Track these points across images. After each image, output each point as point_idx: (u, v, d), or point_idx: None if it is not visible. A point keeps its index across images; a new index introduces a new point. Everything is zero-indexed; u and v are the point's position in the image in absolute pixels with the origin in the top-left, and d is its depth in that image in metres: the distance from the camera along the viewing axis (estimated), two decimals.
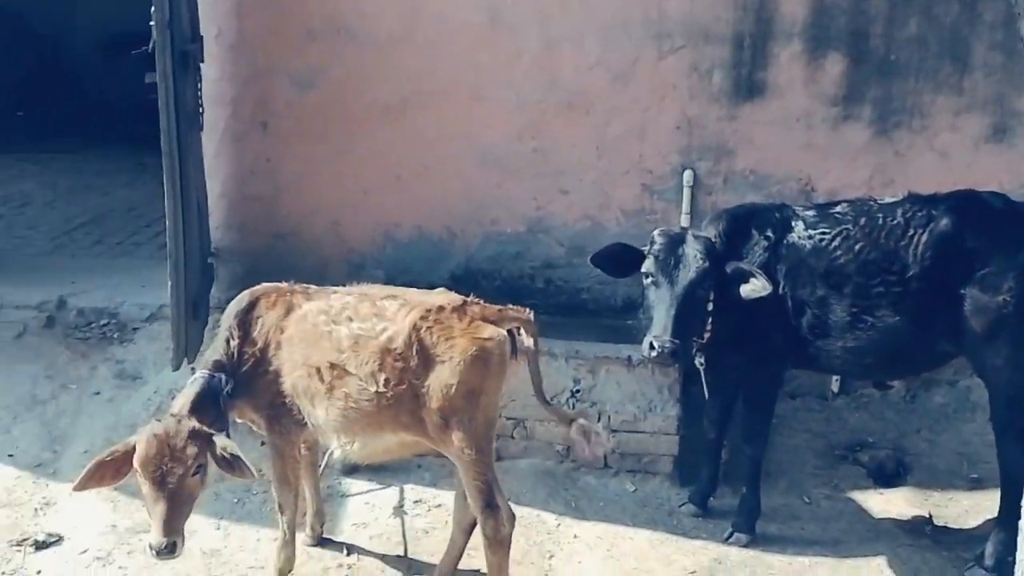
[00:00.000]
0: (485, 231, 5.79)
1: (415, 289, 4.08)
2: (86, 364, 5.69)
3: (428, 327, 3.74)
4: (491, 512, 3.79)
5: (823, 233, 4.32)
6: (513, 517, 3.85)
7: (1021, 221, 4.15)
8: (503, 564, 3.89)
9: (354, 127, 5.63)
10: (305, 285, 4.15)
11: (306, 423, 3.98)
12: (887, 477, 5.16)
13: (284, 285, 4.13)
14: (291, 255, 5.78)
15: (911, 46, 5.35)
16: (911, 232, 4.22)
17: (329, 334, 3.85)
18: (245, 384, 3.96)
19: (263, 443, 4.72)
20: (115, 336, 5.84)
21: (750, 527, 4.63)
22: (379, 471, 4.97)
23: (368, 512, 4.77)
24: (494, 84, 5.53)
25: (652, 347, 4.08)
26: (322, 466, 4.54)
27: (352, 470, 5.02)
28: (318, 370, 3.85)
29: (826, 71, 5.41)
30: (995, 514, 4.46)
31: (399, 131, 5.61)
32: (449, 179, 5.69)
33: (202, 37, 5.24)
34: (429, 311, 3.78)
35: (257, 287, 4.13)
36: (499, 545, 3.84)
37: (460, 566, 4.23)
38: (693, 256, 4.14)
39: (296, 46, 5.54)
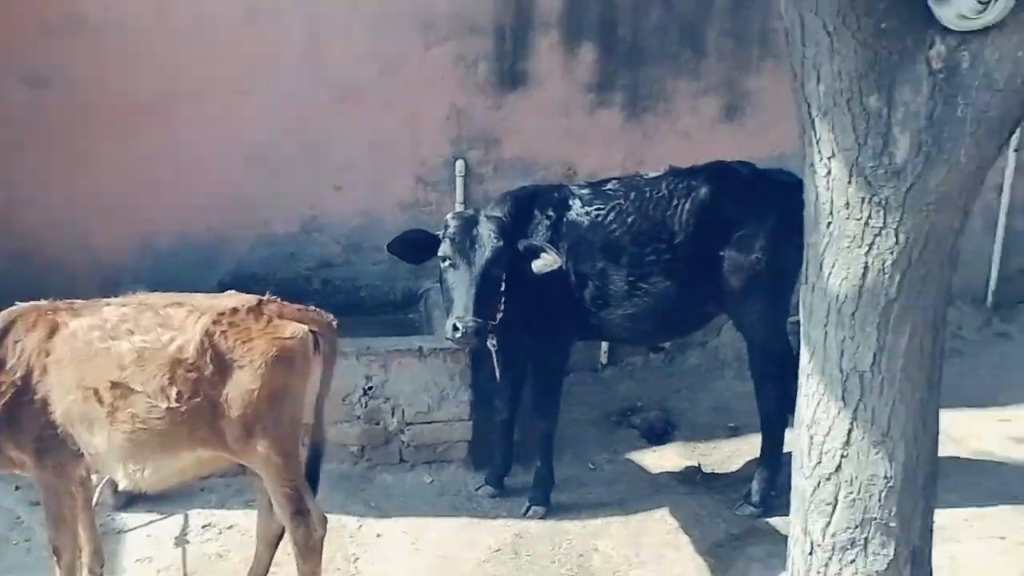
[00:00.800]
0: (256, 233, 5.57)
1: (202, 294, 3.83)
2: None
3: (222, 331, 3.52)
4: (301, 519, 3.65)
5: (598, 209, 4.57)
6: (325, 520, 3.75)
7: (768, 186, 4.61)
8: (316, 571, 3.77)
9: (100, 129, 5.19)
10: (69, 300, 3.74)
11: (83, 453, 3.62)
12: (658, 436, 5.55)
13: (44, 303, 3.70)
14: (33, 276, 5.12)
15: (655, 35, 5.75)
16: (675, 202, 4.55)
17: (107, 351, 3.51)
18: (5, 418, 3.53)
19: (17, 487, 4.27)
20: None
21: (545, 499, 4.81)
22: (158, 501, 4.59)
23: (151, 545, 4.45)
24: (257, 78, 5.31)
25: (456, 328, 4.11)
26: (95, 500, 4.13)
27: (128, 503, 4.64)
28: (96, 392, 3.51)
29: (581, 60, 5.69)
30: (754, 456, 4.95)
31: (153, 131, 5.25)
32: (213, 180, 5.40)
33: None
34: (222, 315, 3.56)
35: (12, 308, 3.67)
36: (311, 552, 3.71)
37: None
38: (487, 235, 4.23)
39: (27, 40, 5.01)
